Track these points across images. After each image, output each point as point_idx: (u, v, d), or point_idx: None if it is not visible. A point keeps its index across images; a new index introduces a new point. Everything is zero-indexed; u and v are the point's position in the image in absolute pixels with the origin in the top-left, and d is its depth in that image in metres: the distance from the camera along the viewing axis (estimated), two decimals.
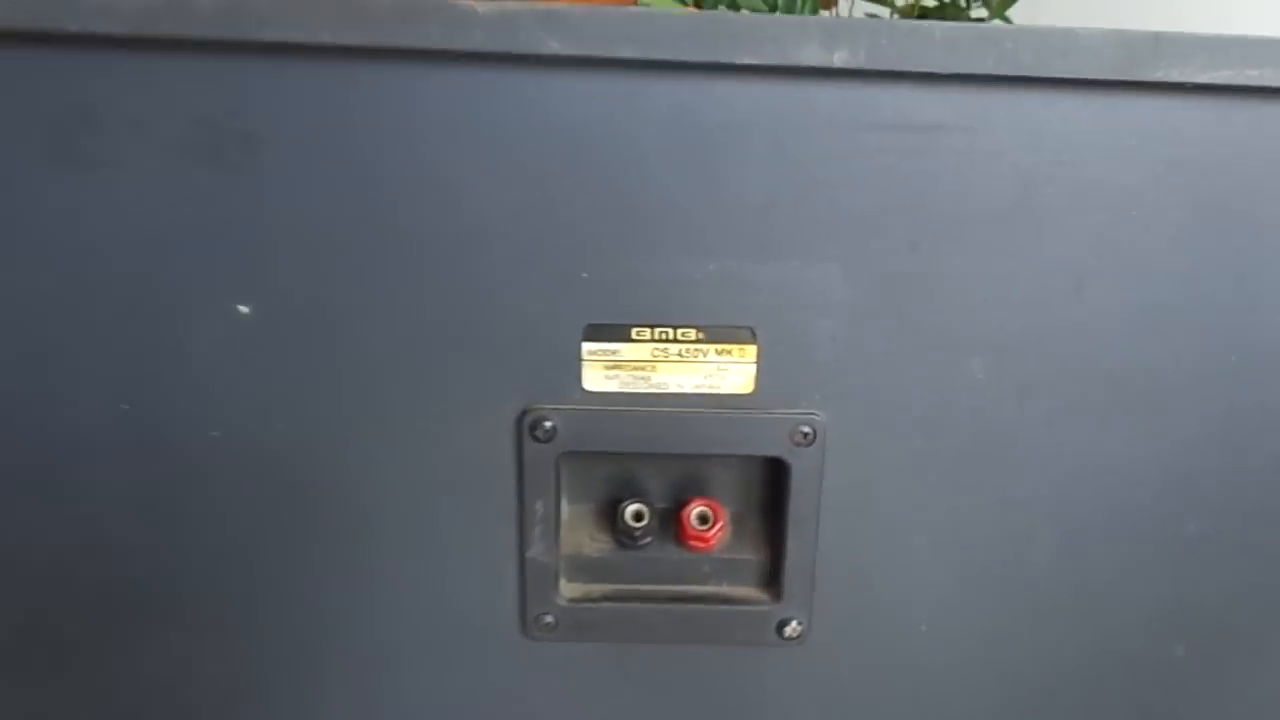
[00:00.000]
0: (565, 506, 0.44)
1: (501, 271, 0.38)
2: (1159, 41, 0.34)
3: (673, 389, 0.40)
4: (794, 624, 0.43)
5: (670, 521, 0.43)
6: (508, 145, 0.36)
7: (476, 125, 0.36)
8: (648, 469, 0.43)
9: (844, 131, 0.36)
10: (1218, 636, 0.44)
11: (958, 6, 0.93)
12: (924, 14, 0.96)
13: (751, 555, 0.44)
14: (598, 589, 0.44)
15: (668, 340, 0.39)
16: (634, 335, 0.39)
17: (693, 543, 0.43)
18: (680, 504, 0.43)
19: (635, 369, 0.40)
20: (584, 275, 0.38)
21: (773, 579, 0.43)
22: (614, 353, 0.40)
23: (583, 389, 0.40)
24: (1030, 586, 0.43)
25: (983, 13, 0.93)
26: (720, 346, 0.40)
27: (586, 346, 0.39)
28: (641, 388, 0.40)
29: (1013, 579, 0.43)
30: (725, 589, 0.44)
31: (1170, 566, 0.43)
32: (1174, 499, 0.42)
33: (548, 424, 0.40)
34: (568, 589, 0.44)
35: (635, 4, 0.72)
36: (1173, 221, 0.37)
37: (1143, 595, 0.43)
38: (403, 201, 0.37)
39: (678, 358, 0.40)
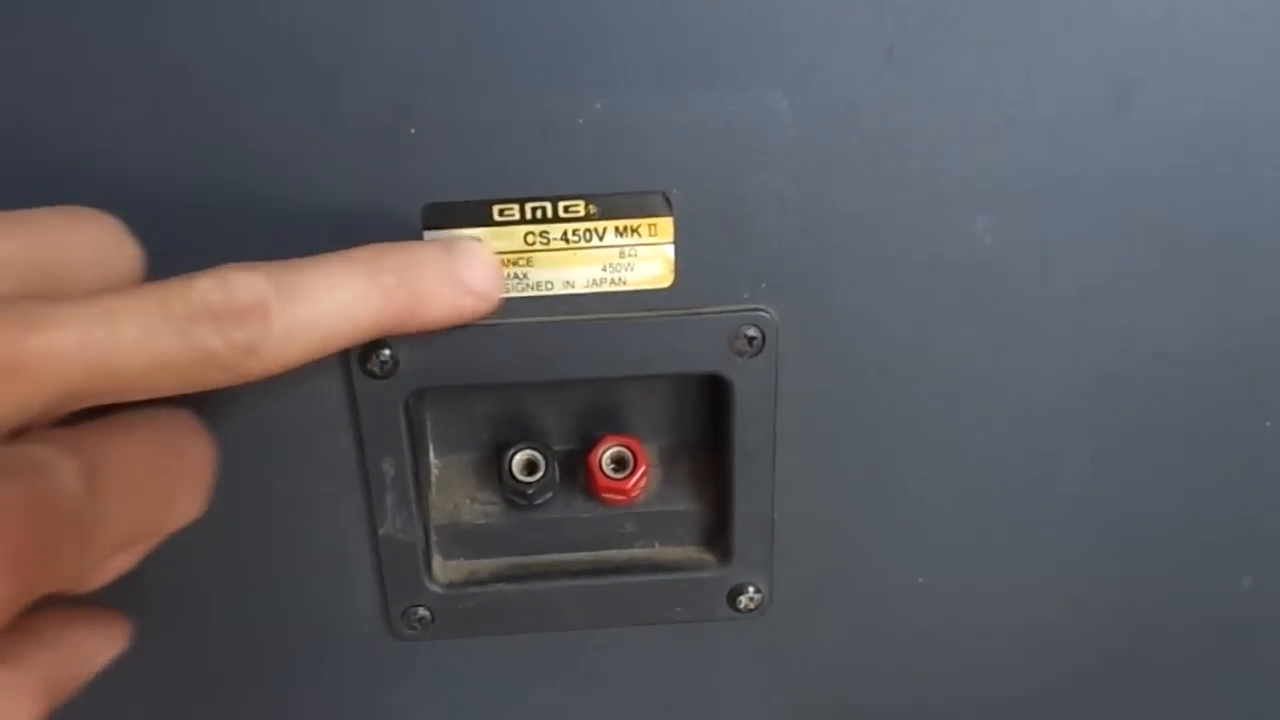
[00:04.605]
0: (433, 460, 0.32)
1: (280, 132, 0.26)
2: None
3: (560, 289, 0.28)
4: (750, 591, 0.32)
5: (576, 469, 0.32)
6: None
7: None
8: (538, 402, 0.32)
9: None
10: None
11: None
12: None
13: (688, 506, 0.32)
14: (485, 566, 0.33)
15: (546, 219, 0.27)
16: (497, 215, 0.27)
17: (607, 495, 0.31)
18: (587, 445, 0.31)
19: (503, 264, 0.28)
20: (411, 130, 0.26)
21: (718, 535, 0.32)
22: None
23: None
24: (1058, 516, 0.32)
25: None
26: (622, 223, 0.28)
27: (429, 236, 0.27)
28: (515, 290, 0.28)
29: (1035, 508, 0.32)
30: (656, 552, 0.33)
31: (1239, 477, 0.32)
32: (1248, 388, 0.31)
33: (385, 352, 0.28)
34: (444, 570, 0.32)
35: None
36: None
37: (1202, 516, 0.33)
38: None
39: (563, 243, 0.28)
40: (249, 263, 0.22)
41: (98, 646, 0.24)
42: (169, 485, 0.23)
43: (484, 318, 0.28)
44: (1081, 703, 0.36)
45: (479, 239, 0.27)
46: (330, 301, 0.22)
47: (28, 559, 0.18)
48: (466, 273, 0.25)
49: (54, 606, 0.23)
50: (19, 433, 0.20)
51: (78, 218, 0.23)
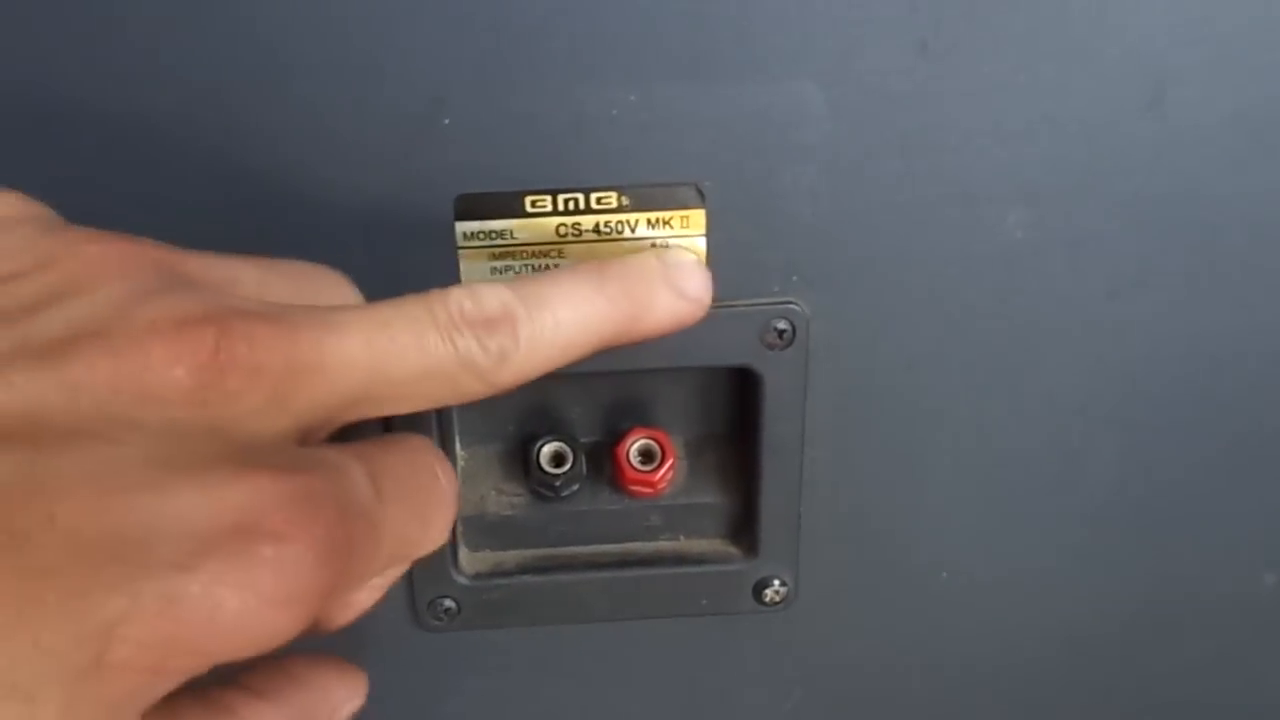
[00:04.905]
0: (459, 452, 0.32)
1: (316, 122, 0.26)
2: None
3: None
4: (776, 585, 0.33)
5: (603, 461, 0.32)
6: None
7: None
8: (566, 394, 0.32)
9: None
10: None
11: None
12: None
13: (714, 498, 0.33)
14: (511, 558, 0.33)
15: (579, 210, 0.28)
16: (530, 206, 0.27)
17: (634, 487, 0.31)
18: (615, 438, 0.31)
19: (536, 255, 0.28)
20: (445, 121, 0.26)
21: (745, 528, 0.32)
22: (502, 233, 0.28)
23: None
24: (1084, 513, 0.33)
25: None
26: (655, 215, 0.28)
27: (462, 227, 0.27)
28: None
29: (1061, 505, 0.32)
30: (682, 545, 0.33)
31: (1265, 475, 0.32)
32: (1276, 389, 0.31)
33: None
34: (470, 561, 0.32)
35: None
36: None
37: (1226, 514, 0.33)
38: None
39: (595, 235, 0.28)
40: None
41: (346, 695, 0.24)
42: (429, 503, 0.23)
43: None
44: (1103, 698, 0.36)
45: (685, 249, 0.28)
46: (568, 311, 0.23)
47: (340, 550, 0.19)
48: (682, 280, 0.25)
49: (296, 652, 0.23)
50: (304, 443, 0.21)
51: (322, 269, 0.24)
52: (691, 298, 0.25)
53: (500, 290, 0.22)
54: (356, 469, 0.20)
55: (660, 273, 0.25)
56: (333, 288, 0.24)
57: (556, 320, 0.23)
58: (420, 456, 0.23)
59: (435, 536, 0.23)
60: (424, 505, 0.23)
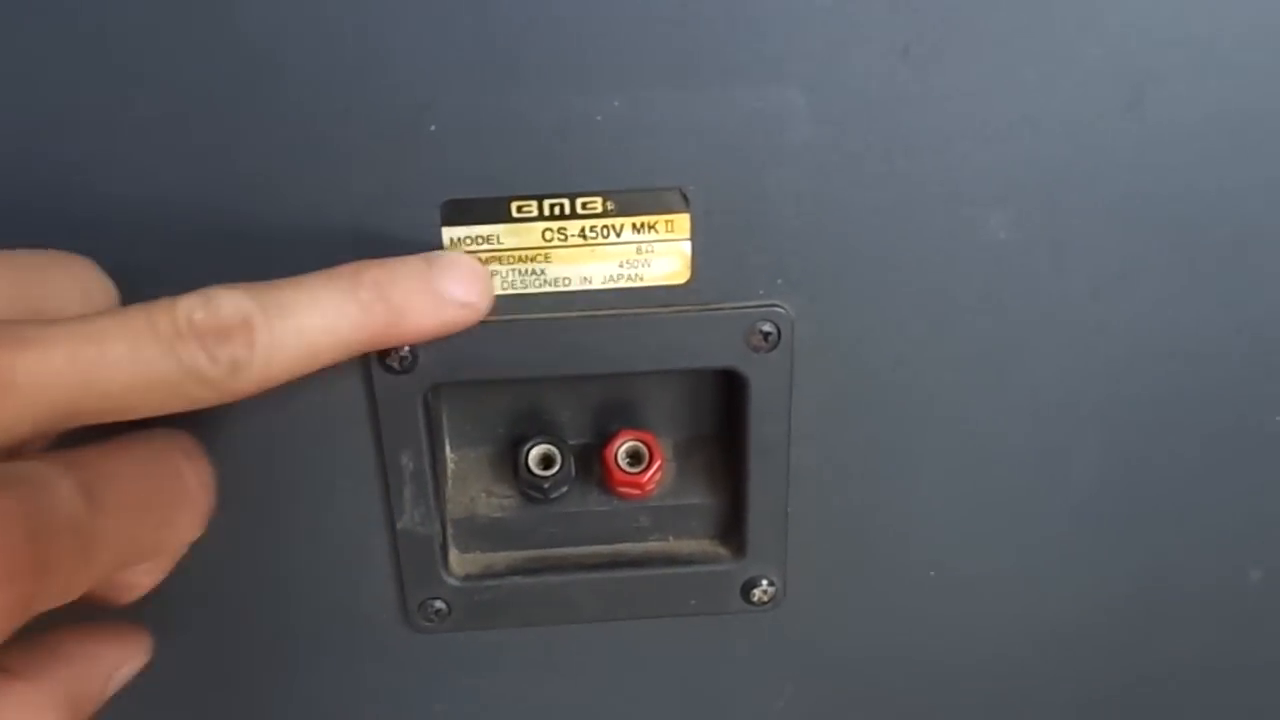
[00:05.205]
0: (449, 454, 0.33)
1: (301, 128, 0.26)
2: None
3: (577, 285, 0.28)
4: (764, 584, 0.33)
5: (591, 463, 0.32)
6: None
7: None
8: (555, 397, 0.32)
9: None
10: None
11: None
12: None
13: (703, 500, 0.33)
14: (500, 559, 0.33)
15: (564, 215, 0.28)
16: (515, 211, 0.28)
17: (623, 489, 0.32)
18: (603, 440, 0.32)
19: (521, 260, 0.28)
20: (431, 127, 0.26)
21: (733, 529, 0.33)
22: (489, 239, 0.28)
23: None
24: (1069, 512, 0.33)
25: None
26: (640, 219, 0.28)
27: (448, 233, 0.27)
28: (532, 286, 0.28)
29: (1047, 504, 0.33)
30: (671, 546, 0.33)
31: (1248, 471, 0.33)
32: (1258, 386, 0.31)
33: (404, 348, 0.28)
34: (460, 563, 0.33)
35: None
36: None
37: (1211, 510, 0.33)
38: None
39: (580, 240, 0.28)
40: (231, 283, 0.22)
41: (118, 660, 0.24)
42: (167, 503, 0.23)
43: (501, 315, 0.28)
44: (1091, 695, 0.36)
45: (464, 251, 0.27)
46: (314, 318, 0.23)
47: (24, 571, 0.18)
48: (446, 284, 0.25)
49: (78, 622, 0.23)
50: (14, 455, 0.20)
51: (59, 257, 0.23)
52: (458, 301, 0.25)
53: (238, 297, 0.21)
54: (63, 481, 0.20)
55: (422, 278, 0.24)
56: (69, 279, 0.23)
57: (299, 327, 0.22)
58: (157, 455, 0.22)
59: (183, 534, 0.23)
60: (160, 506, 0.22)
